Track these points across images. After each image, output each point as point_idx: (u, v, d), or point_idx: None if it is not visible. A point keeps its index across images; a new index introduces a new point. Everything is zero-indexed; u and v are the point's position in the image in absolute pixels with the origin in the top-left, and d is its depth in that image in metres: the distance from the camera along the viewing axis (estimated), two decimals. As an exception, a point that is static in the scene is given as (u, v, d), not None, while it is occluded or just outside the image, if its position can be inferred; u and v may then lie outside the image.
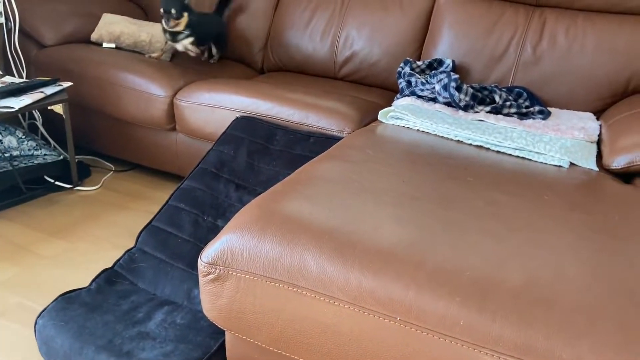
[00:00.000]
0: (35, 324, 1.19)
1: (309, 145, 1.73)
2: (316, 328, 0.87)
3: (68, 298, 1.25)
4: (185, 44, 2.10)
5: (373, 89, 2.15)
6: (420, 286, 0.81)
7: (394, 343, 0.81)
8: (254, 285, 0.90)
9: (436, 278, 0.81)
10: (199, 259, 0.94)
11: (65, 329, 1.15)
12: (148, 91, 1.94)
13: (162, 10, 2.00)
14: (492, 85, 1.80)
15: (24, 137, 2.01)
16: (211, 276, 0.92)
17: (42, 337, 1.16)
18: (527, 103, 1.75)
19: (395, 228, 0.93)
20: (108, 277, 1.35)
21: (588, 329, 0.72)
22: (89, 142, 2.22)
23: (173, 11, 1.98)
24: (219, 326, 0.98)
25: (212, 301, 0.94)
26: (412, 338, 0.79)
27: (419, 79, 1.78)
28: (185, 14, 2.02)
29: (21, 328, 1.32)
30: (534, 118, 1.65)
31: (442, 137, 1.47)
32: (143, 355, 1.10)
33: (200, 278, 0.95)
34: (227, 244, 0.93)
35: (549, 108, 1.79)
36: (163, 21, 2.02)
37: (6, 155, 1.92)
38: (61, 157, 2.01)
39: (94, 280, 1.33)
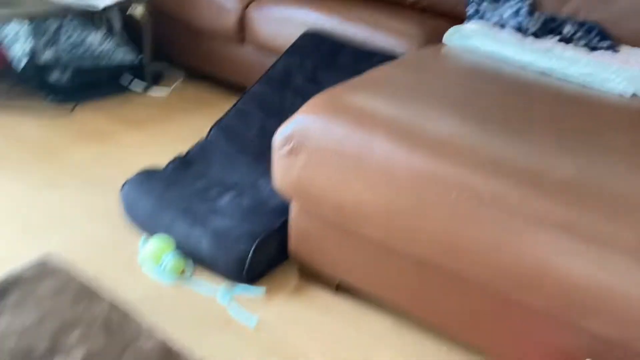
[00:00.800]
0: (122, 189, 1.34)
1: (373, 63, 1.78)
2: (377, 202, 0.96)
3: (149, 173, 1.39)
4: None
5: (440, 17, 2.14)
6: (476, 167, 0.88)
7: (448, 217, 0.90)
8: (323, 160, 1.00)
9: (492, 161, 0.88)
10: (275, 135, 1.05)
11: (148, 195, 1.30)
12: (221, 1, 2.01)
13: None
14: (564, 17, 1.78)
15: (104, 38, 2.14)
16: (285, 148, 1.03)
17: (127, 199, 1.32)
18: (597, 38, 1.73)
19: (456, 122, 1.00)
20: (183, 161, 1.48)
21: (629, 212, 0.78)
22: (161, 49, 2.34)
23: None
24: (287, 196, 1.10)
25: (284, 172, 1.05)
26: (466, 212, 0.88)
27: (490, 4, 1.78)
28: None
29: (105, 191, 1.47)
30: (603, 51, 1.63)
31: (507, 62, 1.49)
32: (214, 224, 1.24)
33: (275, 152, 1.06)
34: (301, 123, 1.02)
35: (621, 46, 1.76)
36: None
37: (89, 52, 2.06)
38: (137, 59, 2.14)
39: (170, 162, 1.47)
